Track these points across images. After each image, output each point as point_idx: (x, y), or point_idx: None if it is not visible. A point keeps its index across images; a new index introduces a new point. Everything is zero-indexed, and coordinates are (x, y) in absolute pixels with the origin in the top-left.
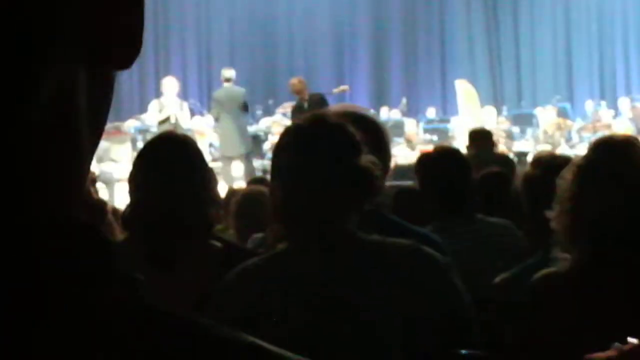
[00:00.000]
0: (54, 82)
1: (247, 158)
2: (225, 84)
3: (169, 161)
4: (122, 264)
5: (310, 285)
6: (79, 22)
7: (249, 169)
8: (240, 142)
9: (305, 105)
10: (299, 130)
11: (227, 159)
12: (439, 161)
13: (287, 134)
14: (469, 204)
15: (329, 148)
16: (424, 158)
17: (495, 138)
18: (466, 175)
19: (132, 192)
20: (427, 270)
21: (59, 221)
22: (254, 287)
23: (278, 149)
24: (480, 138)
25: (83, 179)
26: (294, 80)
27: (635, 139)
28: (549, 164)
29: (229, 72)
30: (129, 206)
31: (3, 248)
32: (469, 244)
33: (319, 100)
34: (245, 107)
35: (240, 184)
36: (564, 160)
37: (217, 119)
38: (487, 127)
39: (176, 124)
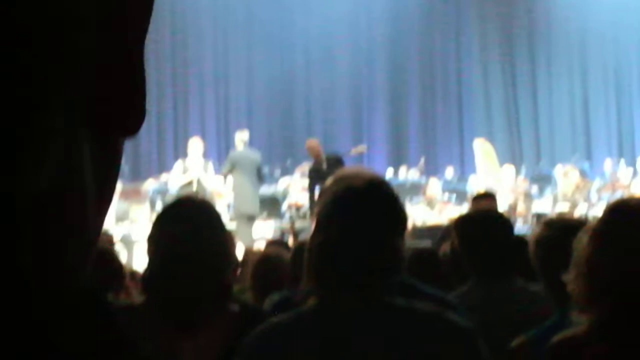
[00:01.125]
0: (58, 150)
1: (256, 219)
2: (240, 146)
3: (188, 224)
4: (127, 328)
5: (336, 347)
6: (84, 93)
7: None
8: (256, 202)
9: (324, 166)
10: (354, 191)
11: (243, 218)
12: (483, 222)
13: (342, 191)
14: (508, 267)
15: (380, 219)
16: (466, 218)
17: (514, 199)
18: (508, 238)
19: (151, 253)
20: (453, 337)
21: (64, 288)
22: (279, 346)
23: (329, 203)
24: (483, 201)
25: (89, 245)
26: (312, 143)
27: None
28: (561, 226)
29: (244, 134)
30: (148, 268)
31: (3, 314)
32: (503, 308)
33: (337, 162)
34: (260, 171)
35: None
36: (577, 223)
37: (225, 176)
38: (507, 186)
39: (198, 188)
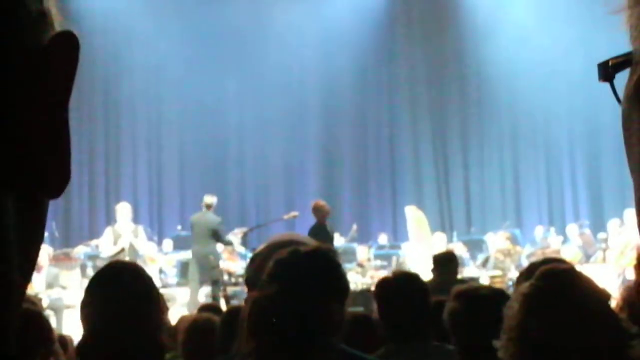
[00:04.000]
0: None
1: (213, 285)
2: (203, 210)
3: (120, 289)
4: None
5: None
6: (5, 156)
7: (214, 295)
8: (197, 269)
9: (329, 228)
10: (299, 255)
11: (194, 284)
12: (398, 285)
13: (288, 254)
14: (425, 329)
15: (321, 284)
16: (384, 282)
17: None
18: (424, 301)
19: (84, 321)
20: None
21: None
22: None
23: (273, 264)
24: (444, 262)
25: (14, 309)
26: (322, 203)
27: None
28: (470, 296)
29: (210, 199)
30: (83, 334)
31: None
32: None
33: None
34: (216, 235)
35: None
36: (487, 291)
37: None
38: (438, 253)
39: (131, 254)
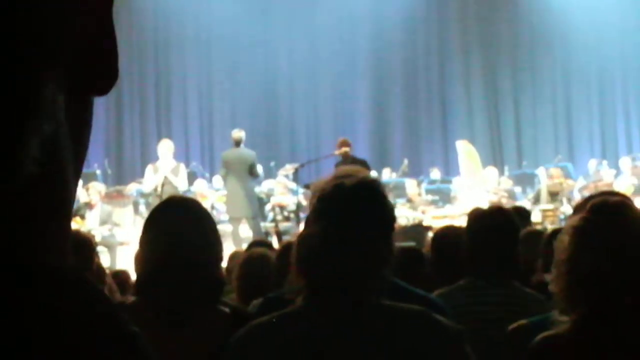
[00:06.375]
0: (51, 118)
1: (254, 219)
2: (235, 146)
3: (179, 223)
4: (111, 307)
5: (321, 346)
6: (61, 53)
7: (257, 230)
8: (247, 204)
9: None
10: (343, 190)
11: (235, 220)
12: (492, 220)
13: (332, 189)
14: (510, 270)
15: (369, 218)
16: (476, 215)
17: (497, 199)
18: (514, 240)
19: (144, 254)
20: (438, 337)
21: (46, 265)
22: (265, 345)
23: (318, 201)
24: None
25: (70, 213)
26: (345, 140)
27: (629, 200)
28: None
29: (238, 134)
30: (141, 268)
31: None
32: (496, 308)
33: (363, 164)
34: (252, 170)
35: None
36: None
37: (224, 180)
38: (489, 187)
39: (168, 191)
